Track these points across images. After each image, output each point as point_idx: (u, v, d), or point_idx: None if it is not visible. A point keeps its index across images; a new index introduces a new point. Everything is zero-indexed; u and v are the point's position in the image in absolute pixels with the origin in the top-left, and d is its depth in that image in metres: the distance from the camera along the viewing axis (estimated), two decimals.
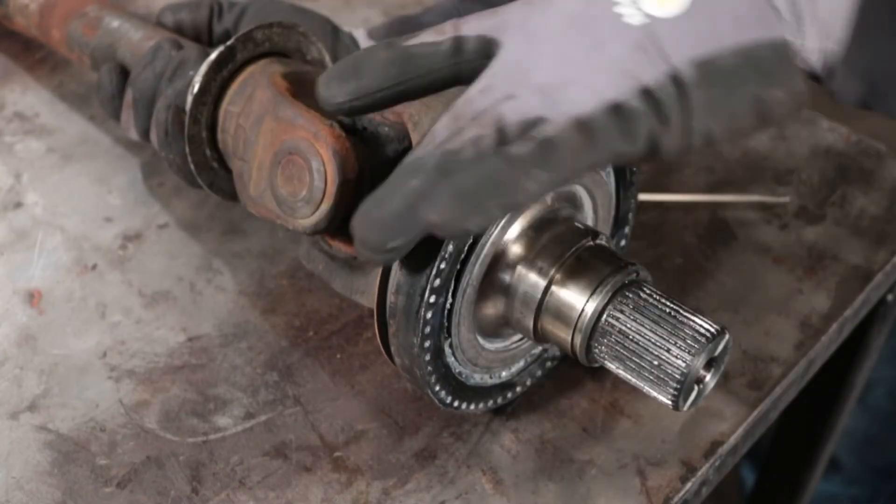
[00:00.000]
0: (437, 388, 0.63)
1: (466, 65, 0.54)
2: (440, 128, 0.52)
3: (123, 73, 0.77)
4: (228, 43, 0.70)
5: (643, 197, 0.82)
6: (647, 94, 0.51)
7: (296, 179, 0.64)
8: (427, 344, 0.60)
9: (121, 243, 0.80)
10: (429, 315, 0.58)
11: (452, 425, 0.69)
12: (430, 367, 0.61)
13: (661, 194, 0.85)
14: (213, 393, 0.70)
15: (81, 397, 0.70)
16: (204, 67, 0.70)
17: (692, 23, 0.52)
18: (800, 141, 0.92)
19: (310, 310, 0.76)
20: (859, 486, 1.50)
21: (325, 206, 0.63)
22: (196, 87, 0.70)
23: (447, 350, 0.62)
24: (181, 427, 0.68)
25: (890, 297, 0.96)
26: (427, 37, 0.55)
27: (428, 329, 0.59)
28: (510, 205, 0.51)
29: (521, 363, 0.68)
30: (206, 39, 0.79)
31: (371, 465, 0.67)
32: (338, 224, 0.64)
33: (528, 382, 0.69)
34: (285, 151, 0.64)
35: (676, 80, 0.51)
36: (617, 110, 0.50)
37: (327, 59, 0.76)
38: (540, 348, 0.69)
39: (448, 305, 0.60)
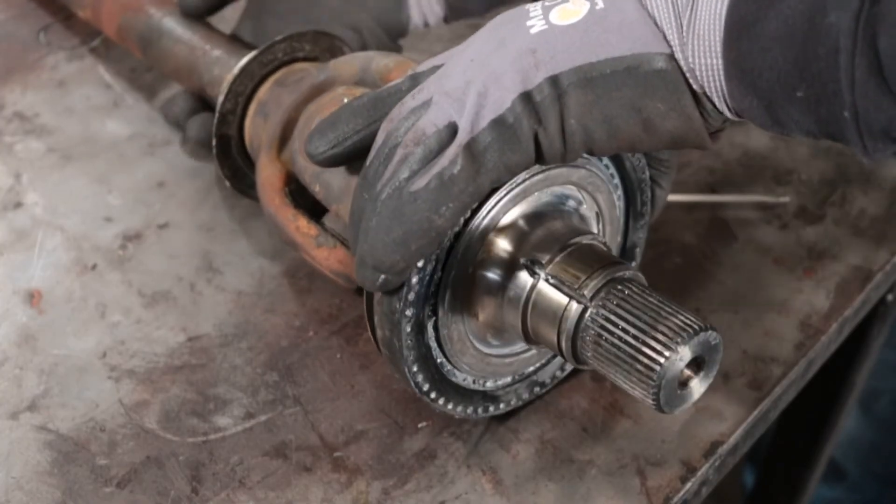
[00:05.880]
0: (415, 368, 0.62)
1: None
2: (380, 132, 0.59)
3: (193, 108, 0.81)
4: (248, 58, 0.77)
5: None
6: (527, 97, 0.54)
7: None
8: (409, 312, 0.59)
9: (121, 243, 0.81)
10: (413, 280, 0.58)
11: (452, 425, 0.69)
12: (409, 341, 0.60)
13: None
14: (213, 393, 0.70)
15: (81, 397, 0.70)
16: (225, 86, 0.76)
17: (583, 32, 0.55)
18: (799, 141, 0.92)
19: (310, 310, 0.76)
20: (863, 492, 1.51)
21: None
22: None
23: (430, 331, 0.61)
24: (181, 427, 0.68)
25: (890, 297, 0.96)
26: (391, 83, 0.62)
27: (412, 296, 0.59)
28: (431, 243, 0.56)
29: (508, 378, 0.68)
30: None
31: (371, 465, 0.67)
32: None
33: (513, 403, 0.68)
34: None
35: (555, 83, 0.54)
36: (500, 123, 0.55)
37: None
38: (529, 369, 0.68)
39: (437, 279, 0.59)
